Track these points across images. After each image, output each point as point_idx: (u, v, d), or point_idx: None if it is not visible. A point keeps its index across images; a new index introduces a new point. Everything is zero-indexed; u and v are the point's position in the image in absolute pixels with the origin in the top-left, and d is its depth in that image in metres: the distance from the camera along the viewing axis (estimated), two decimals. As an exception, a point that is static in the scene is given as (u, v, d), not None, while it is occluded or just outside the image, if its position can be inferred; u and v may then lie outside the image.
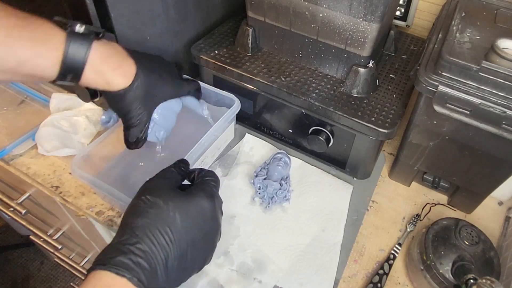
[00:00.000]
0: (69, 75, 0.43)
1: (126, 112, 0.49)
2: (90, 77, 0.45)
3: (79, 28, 0.43)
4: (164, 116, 0.54)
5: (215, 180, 0.45)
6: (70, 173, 0.66)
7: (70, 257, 0.96)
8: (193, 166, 0.61)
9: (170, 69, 0.55)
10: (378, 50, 0.67)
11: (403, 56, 0.71)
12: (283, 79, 0.64)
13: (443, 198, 0.67)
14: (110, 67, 0.45)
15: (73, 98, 0.72)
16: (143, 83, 0.48)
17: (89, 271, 0.34)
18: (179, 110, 0.57)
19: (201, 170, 0.46)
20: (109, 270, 0.33)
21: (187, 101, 0.59)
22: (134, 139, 0.51)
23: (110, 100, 0.49)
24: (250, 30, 0.67)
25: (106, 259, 0.34)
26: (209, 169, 0.49)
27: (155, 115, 0.53)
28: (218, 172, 0.67)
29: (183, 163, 0.47)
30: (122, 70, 0.47)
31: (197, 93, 0.60)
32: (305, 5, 0.58)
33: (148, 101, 0.50)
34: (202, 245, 0.40)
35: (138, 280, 0.33)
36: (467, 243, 0.51)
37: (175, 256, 0.37)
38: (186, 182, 0.47)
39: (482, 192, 0.59)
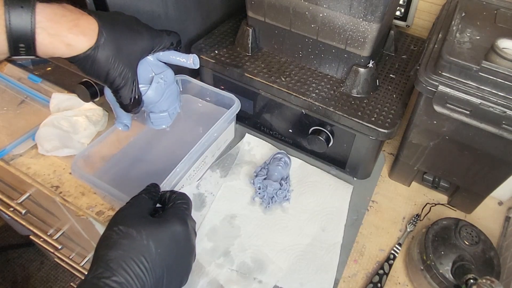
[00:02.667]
0: (21, 46, 0.40)
1: (106, 74, 0.45)
2: (46, 43, 0.40)
3: None
4: (163, 88, 0.52)
5: (187, 203, 0.45)
6: (70, 173, 0.66)
7: (70, 257, 0.96)
8: (193, 166, 0.61)
9: (139, 22, 0.50)
10: (378, 50, 0.67)
11: (403, 56, 0.71)
12: (283, 79, 0.64)
13: (443, 198, 0.67)
14: (65, 27, 0.41)
15: (73, 98, 0.72)
16: (111, 38, 0.44)
17: None
18: (173, 77, 0.54)
19: (172, 192, 0.46)
20: None
21: (171, 57, 0.53)
22: (129, 101, 0.48)
23: (84, 67, 0.45)
24: (250, 30, 0.67)
25: None
26: (181, 191, 0.48)
27: (150, 92, 0.50)
28: (218, 172, 0.68)
29: (153, 187, 0.47)
30: (80, 28, 0.42)
31: (179, 46, 0.54)
32: (305, 5, 0.58)
33: (125, 57, 0.46)
34: (177, 268, 0.40)
35: None
36: (467, 243, 0.51)
37: (151, 284, 0.37)
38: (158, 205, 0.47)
39: (482, 192, 0.59)
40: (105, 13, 0.47)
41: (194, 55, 0.53)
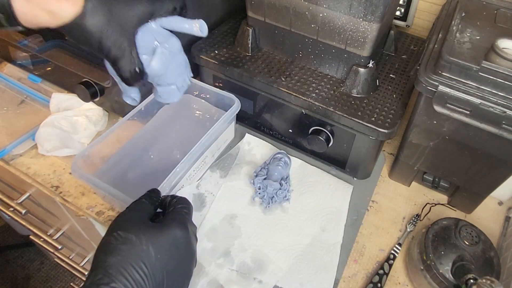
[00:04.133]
0: (1, 17, 0.36)
1: (98, 44, 0.41)
2: (26, 11, 0.37)
3: None
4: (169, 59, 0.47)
5: (187, 207, 0.44)
6: (70, 173, 0.66)
7: (70, 257, 0.96)
8: (193, 166, 0.61)
9: None
10: (378, 50, 0.67)
11: (403, 56, 0.71)
12: (283, 79, 0.64)
13: (443, 198, 0.67)
14: None
15: (73, 98, 0.72)
16: (100, 2, 0.39)
17: None
18: (179, 46, 0.49)
19: (173, 197, 0.46)
20: None
21: (175, 23, 0.47)
22: (128, 73, 0.43)
23: (74, 37, 0.40)
24: (250, 30, 0.67)
25: None
26: (181, 195, 0.46)
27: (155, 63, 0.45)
28: (218, 172, 0.68)
29: (154, 193, 0.46)
30: None
31: (184, 11, 0.48)
32: (305, 5, 0.58)
33: (120, 24, 0.41)
34: (178, 274, 0.39)
35: None
36: (467, 243, 0.51)
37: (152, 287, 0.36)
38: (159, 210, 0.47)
39: (482, 192, 0.59)
40: None
41: (201, 20, 0.46)
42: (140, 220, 0.40)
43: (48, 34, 0.70)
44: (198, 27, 0.46)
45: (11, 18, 0.36)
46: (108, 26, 0.40)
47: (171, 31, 0.47)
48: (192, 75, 0.53)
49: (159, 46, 0.45)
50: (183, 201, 0.45)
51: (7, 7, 0.35)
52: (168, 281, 0.38)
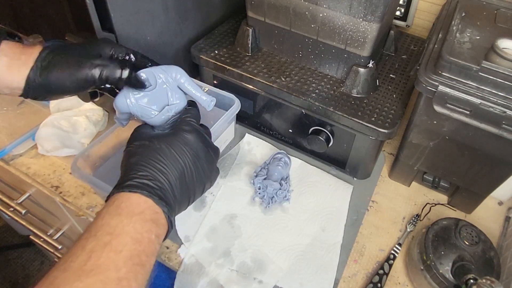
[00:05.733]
0: None
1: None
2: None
3: None
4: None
5: (193, 115, 0.45)
6: (70, 173, 0.66)
7: (70, 257, 0.96)
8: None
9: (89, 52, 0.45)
10: (378, 50, 0.67)
11: (403, 56, 0.71)
12: (283, 79, 0.64)
13: (443, 198, 0.67)
14: None
15: (73, 98, 0.71)
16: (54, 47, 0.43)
17: (106, 201, 0.38)
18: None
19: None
20: (122, 191, 0.37)
21: (189, 87, 0.48)
22: (117, 77, 0.43)
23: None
24: (250, 30, 0.67)
25: (114, 189, 0.38)
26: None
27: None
28: (218, 172, 0.68)
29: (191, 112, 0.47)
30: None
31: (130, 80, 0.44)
32: (305, 5, 0.58)
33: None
34: (196, 170, 0.42)
35: (150, 194, 0.37)
36: (467, 243, 0.51)
37: (175, 176, 0.40)
38: None
39: (482, 192, 0.59)
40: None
41: (213, 98, 0.49)
42: (150, 132, 0.44)
43: (48, 34, 0.70)
44: (207, 102, 0.49)
45: None
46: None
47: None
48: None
49: (167, 107, 0.47)
50: (190, 111, 0.46)
51: None
52: (188, 174, 0.41)
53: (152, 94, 0.46)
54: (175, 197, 0.40)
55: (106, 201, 0.38)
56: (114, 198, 0.37)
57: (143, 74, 0.45)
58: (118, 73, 0.43)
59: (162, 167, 0.39)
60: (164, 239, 0.39)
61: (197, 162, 0.42)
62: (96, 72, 0.43)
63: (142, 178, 0.38)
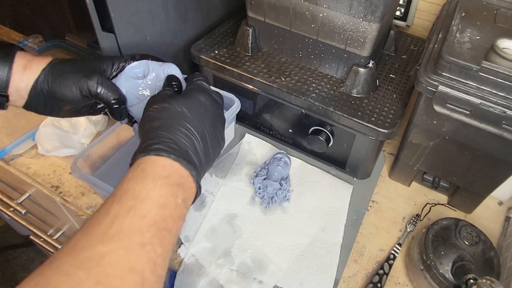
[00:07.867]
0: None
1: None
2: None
3: None
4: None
5: (205, 79, 0.47)
6: (70, 173, 0.66)
7: (70, 257, 0.96)
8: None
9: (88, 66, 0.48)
10: (378, 50, 0.67)
11: (403, 56, 0.71)
12: (283, 79, 0.64)
13: (443, 198, 0.67)
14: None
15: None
16: (54, 65, 0.46)
17: (130, 165, 0.38)
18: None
19: (192, 76, 0.48)
20: (148, 154, 0.37)
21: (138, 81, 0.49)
22: (110, 100, 0.46)
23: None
24: (250, 30, 0.67)
25: (138, 153, 0.37)
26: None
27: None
28: (217, 173, 0.67)
29: (174, 80, 0.48)
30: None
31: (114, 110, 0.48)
32: (305, 5, 0.58)
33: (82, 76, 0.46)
34: (213, 132, 0.43)
35: (176, 157, 0.37)
36: (467, 243, 0.51)
37: (198, 140, 0.40)
38: None
39: (482, 192, 0.59)
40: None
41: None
42: (167, 94, 0.44)
43: (48, 34, 0.70)
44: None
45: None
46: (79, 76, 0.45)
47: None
48: None
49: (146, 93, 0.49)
50: (200, 75, 0.48)
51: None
52: (209, 135, 0.42)
53: (144, 85, 0.49)
54: (200, 160, 0.40)
55: (130, 165, 0.38)
56: (139, 161, 0.37)
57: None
58: (111, 96, 0.46)
59: (186, 130, 0.40)
60: (192, 203, 0.39)
61: (215, 124, 0.43)
62: (93, 84, 0.45)
63: (167, 141, 0.38)
